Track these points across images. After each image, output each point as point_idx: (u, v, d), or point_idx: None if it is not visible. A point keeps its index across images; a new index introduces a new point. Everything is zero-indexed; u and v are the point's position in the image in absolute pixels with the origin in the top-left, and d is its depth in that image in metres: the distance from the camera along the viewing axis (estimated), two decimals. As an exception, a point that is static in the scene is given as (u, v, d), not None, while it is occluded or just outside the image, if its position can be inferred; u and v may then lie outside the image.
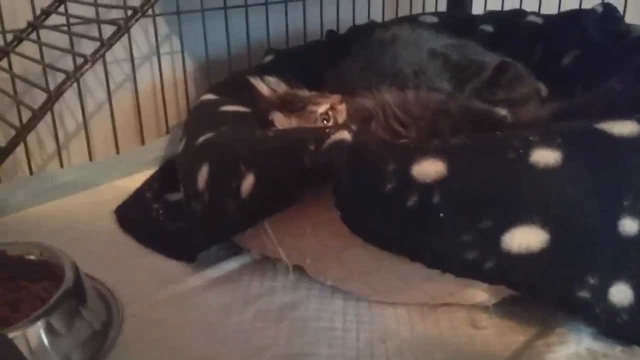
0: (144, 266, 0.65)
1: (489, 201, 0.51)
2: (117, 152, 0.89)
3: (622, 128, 0.53)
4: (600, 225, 0.51)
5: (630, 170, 0.52)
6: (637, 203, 0.51)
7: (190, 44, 0.98)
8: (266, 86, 0.76)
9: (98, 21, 0.81)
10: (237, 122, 0.71)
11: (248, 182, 0.58)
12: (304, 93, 0.74)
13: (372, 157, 0.53)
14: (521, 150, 0.52)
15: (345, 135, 0.54)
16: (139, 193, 0.81)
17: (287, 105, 0.69)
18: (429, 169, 0.51)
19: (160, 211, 0.78)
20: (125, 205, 0.79)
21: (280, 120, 0.68)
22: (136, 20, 0.69)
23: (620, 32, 0.87)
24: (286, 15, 1.04)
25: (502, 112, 0.65)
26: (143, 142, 0.92)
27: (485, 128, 0.62)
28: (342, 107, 0.72)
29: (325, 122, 0.71)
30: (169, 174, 0.82)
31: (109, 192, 0.83)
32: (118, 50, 0.90)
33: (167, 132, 0.95)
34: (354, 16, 1.14)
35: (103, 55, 0.69)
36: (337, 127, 0.57)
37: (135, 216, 0.77)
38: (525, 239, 0.50)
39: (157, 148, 0.90)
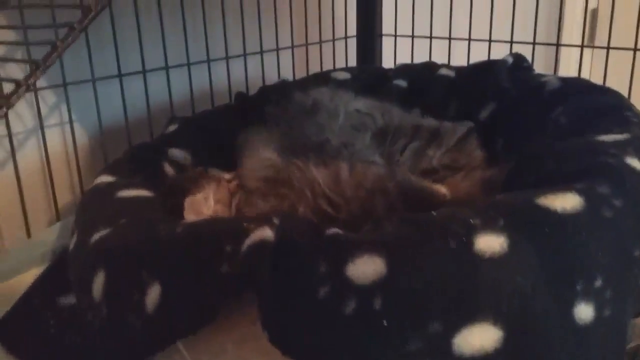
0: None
1: (435, 301, 0.44)
2: (-2, 249, 0.76)
3: (563, 202, 0.49)
4: (554, 315, 0.46)
5: (578, 250, 0.47)
6: (590, 285, 0.47)
7: (82, 113, 0.87)
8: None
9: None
10: (138, 213, 0.62)
11: (153, 294, 0.49)
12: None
13: (300, 257, 0.45)
14: (464, 238, 0.46)
15: (266, 233, 0.47)
16: (24, 300, 0.69)
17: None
18: (366, 268, 0.44)
19: (51, 321, 0.66)
20: (9, 318, 0.66)
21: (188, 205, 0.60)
22: (18, 98, 0.60)
23: (535, 84, 0.87)
24: (190, 77, 0.96)
25: (442, 190, 0.60)
26: (29, 235, 0.79)
27: (422, 206, 0.57)
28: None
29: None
30: (60, 272, 0.70)
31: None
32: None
33: (58, 219, 0.83)
34: (263, 74, 1.08)
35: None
36: (256, 220, 0.49)
37: (22, 331, 0.64)
38: (479, 339, 0.45)
39: (47, 240, 0.78)
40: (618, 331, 0.50)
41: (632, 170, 0.55)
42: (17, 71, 0.79)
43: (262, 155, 0.70)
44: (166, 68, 0.90)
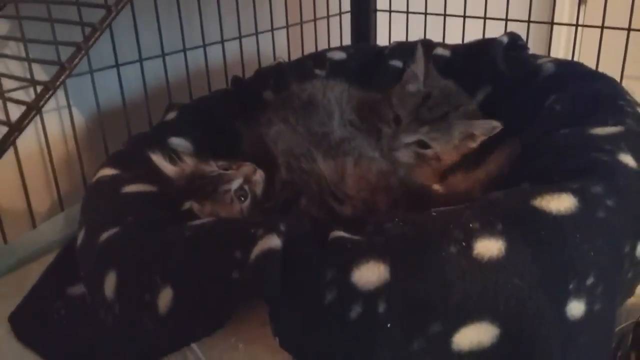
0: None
1: (436, 304, 0.47)
2: (5, 242, 0.77)
3: (558, 204, 0.51)
4: (548, 312, 0.49)
5: (572, 252, 0.50)
6: (582, 283, 0.50)
7: (78, 98, 0.87)
8: (170, 165, 0.68)
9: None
10: (145, 211, 0.63)
11: (165, 297, 0.51)
12: (212, 168, 0.67)
13: (307, 265, 0.47)
14: (464, 243, 0.48)
15: (274, 241, 0.49)
16: (35, 291, 0.71)
17: (198, 191, 0.62)
18: (370, 274, 0.47)
19: (62, 311, 0.68)
20: (21, 310, 0.69)
21: (197, 210, 0.61)
22: (46, 101, 0.59)
23: (530, 68, 0.87)
24: (186, 63, 0.96)
25: (437, 187, 0.61)
26: (34, 225, 0.80)
27: (422, 202, 0.59)
28: (257, 177, 0.66)
29: (242, 199, 0.65)
30: (68, 262, 0.72)
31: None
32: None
33: (62, 209, 0.84)
34: (258, 55, 1.08)
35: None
36: (263, 224, 0.51)
37: (34, 322, 0.67)
38: (477, 336, 0.47)
39: (52, 231, 0.79)
40: (607, 322, 0.53)
41: (624, 167, 0.57)
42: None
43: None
44: (162, 55, 0.90)
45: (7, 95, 0.68)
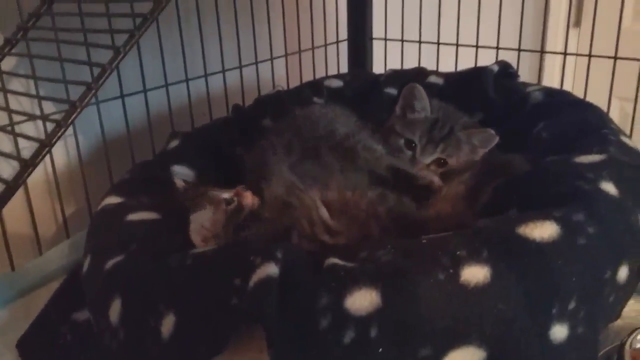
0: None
1: (426, 329, 0.49)
2: (12, 269, 0.80)
3: (542, 231, 0.54)
4: (532, 336, 0.51)
5: (555, 277, 0.52)
6: (564, 307, 0.52)
7: (84, 127, 0.90)
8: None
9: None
10: (149, 238, 0.66)
11: (168, 323, 0.53)
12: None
13: (303, 293, 0.50)
14: (451, 270, 0.51)
15: (271, 269, 0.51)
16: (42, 317, 0.73)
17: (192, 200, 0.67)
18: (363, 300, 0.49)
19: (68, 336, 0.71)
20: (28, 335, 0.71)
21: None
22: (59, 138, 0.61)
23: (520, 95, 0.91)
24: (188, 93, 0.99)
25: (425, 213, 0.64)
26: (40, 252, 0.83)
27: (411, 228, 0.62)
28: (248, 196, 0.70)
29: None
30: (74, 288, 0.75)
31: (7, 319, 0.74)
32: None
33: (68, 236, 0.87)
34: (258, 83, 1.12)
35: None
36: (262, 252, 0.54)
37: (41, 348, 0.69)
38: (464, 359, 0.50)
39: (58, 257, 0.82)
40: (590, 344, 0.56)
41: (605, 195, 0.60)
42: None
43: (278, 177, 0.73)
44: (166, 85, 0.94)
45: (15, 126, 0.71)
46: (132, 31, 0.62)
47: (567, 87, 0.98)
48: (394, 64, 1.19)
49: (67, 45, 0.69)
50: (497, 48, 1.09)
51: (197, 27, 0.98)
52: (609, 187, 0.61)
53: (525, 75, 1.07)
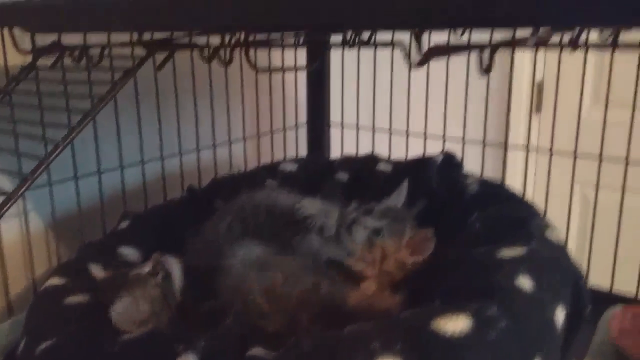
0: None
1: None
2: (-52, 348, 0.80)
3: (455, 325, 0.57)
4: None
5: (464, 371, 0.55)
6: (475, 403, 0.54)
7: (37, 203, 0.92)
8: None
9: None
10: (83, 321, 0.67)
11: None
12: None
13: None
14: (365, 363, 0.53)
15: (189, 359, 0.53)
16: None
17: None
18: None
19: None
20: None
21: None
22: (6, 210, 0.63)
23: (459, 186, 0.96)
24: (143, 175, 1.02)
25: (354, 300, 0.68)
26: (-20, 330, 0.83)
27: (340, 318, 0.65)
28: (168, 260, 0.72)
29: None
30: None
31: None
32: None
33: (9, 315, 0.87)
34: (215, 163, 1.16)
35: None
36: (186, 340, 0.55)
37: None
38: None
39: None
40: None
41: (519, 291, 0.63)
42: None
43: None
44: (121, 167, 0.97)
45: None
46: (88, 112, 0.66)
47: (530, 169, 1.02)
48: (351, 149, 1.25)
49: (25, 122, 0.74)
50: (444, 139, 1.16)
51: (155, 108, 1.02)
52: (524, 283, 0.65)
53: (490, 155, 1.14)
